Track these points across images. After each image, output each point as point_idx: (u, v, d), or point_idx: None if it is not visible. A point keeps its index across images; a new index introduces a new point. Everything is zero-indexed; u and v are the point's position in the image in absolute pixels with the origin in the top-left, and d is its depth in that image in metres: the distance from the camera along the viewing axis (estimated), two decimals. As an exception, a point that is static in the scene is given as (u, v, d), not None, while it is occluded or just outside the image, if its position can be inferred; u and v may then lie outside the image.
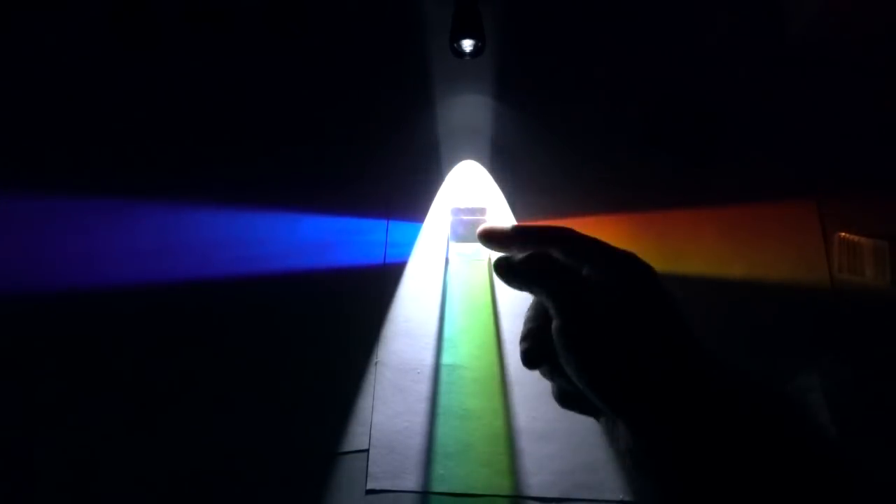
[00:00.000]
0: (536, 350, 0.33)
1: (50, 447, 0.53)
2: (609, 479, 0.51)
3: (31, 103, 0.68)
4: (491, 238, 0.39)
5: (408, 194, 0.64)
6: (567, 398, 0.34)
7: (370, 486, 0.51)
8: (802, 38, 0.68)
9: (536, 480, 0.51)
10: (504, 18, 0.71)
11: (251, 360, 0.57)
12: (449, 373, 0.56)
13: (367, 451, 0.52)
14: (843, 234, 0.60)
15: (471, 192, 0.64)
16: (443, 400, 0.55)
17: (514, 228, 0.38)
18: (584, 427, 0.53)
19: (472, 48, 0.67)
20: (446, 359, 0.56)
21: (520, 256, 0.36)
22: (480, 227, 0.39)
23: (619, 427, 0.30)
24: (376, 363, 0.56)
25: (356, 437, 0.53)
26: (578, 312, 0.31)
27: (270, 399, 0.55)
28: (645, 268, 0.32)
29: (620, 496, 0.50)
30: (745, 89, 0.68)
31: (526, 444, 0.53)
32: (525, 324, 0.35)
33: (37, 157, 0.66)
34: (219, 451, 0.53)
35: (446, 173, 0.65)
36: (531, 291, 0.35)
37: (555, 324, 0.32)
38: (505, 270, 0.36)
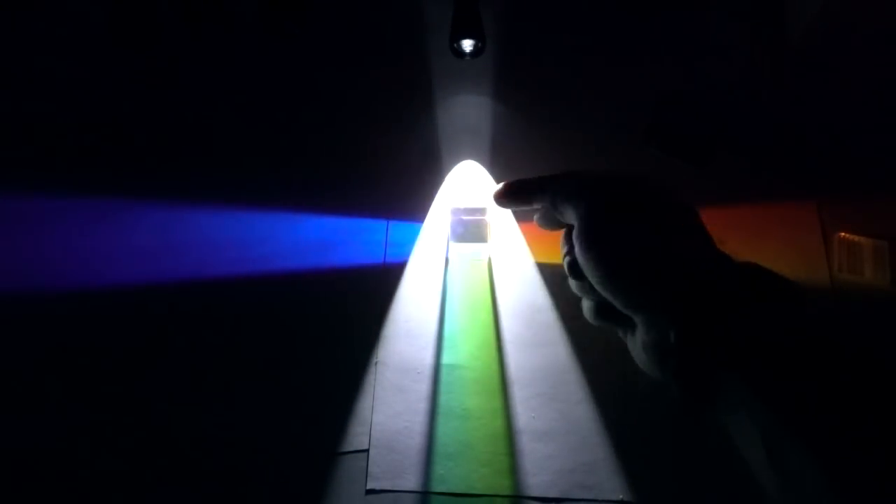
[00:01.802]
0: (575, 265, 0.36)
1: (50, 447, 0.53)
2: (608, 479, 0.51)
3: (30, 103, 0.68)
4: (508, 195, 0.42)
5: (408, 194, 0.64)
6: (599, 310, 0.36)
7: (370, 486, 0.51)
8: (803, 38, 0.68)
9: (536, 480, 0.51)
10: (504, 18, 0.71)
11: (251, 360, 0.57)
12: (449, 373, 0.56)
13: (367, 451, 0.52)
14: (843, 234, 0.60)
15: (471, 192, 0.64)
16: (443, 400, 0.55)
17: (525, 182, 0.42)
18: (584, 427, 0.53)
19: (472, 48, 0.67)
20: (446, 359, 0.56)
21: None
22: (497, 189, 0.43)
23: (639, 330, 0.32)
24: (376, 363, 0.56)
25: (356, 437, 0.53)
26: (593, 216, 0.34)
27: (270, 399, 0.55)
28: (657, 184, 0.37)
29: (620, 496, 0.50)
30: (745, 89, 0.68)
31: (526, 444, 0.53)
32: (562, 250, 0.39)
33: (37, 157, 0.66)
34: (219, 451, 0.53)
35: (446, 173, 0.65)
36: (553, 206, 0.38)
37: (575, 230, 0.35)
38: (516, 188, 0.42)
